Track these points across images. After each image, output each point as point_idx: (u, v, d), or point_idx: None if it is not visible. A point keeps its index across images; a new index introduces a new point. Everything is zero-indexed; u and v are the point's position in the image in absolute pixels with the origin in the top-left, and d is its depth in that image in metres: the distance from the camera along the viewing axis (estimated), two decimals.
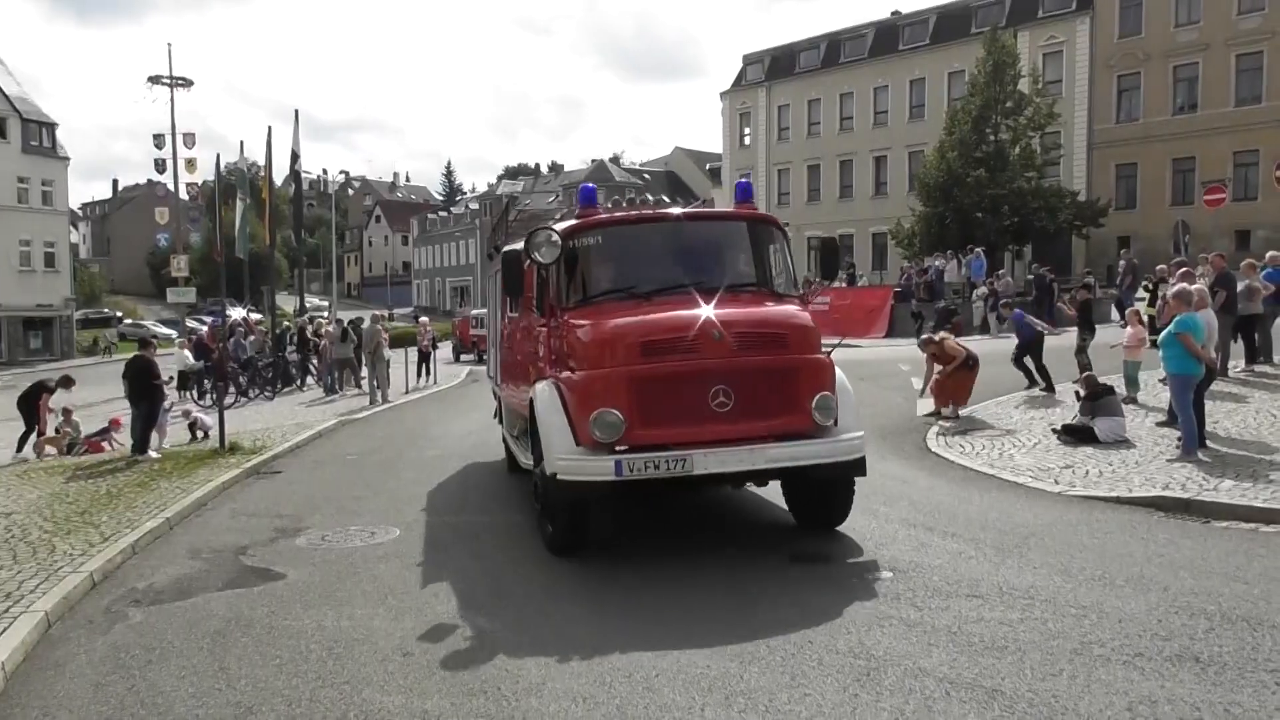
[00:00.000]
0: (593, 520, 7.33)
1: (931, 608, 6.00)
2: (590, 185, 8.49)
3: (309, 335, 26.95)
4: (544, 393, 7.43)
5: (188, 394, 22.72)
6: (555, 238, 7.55)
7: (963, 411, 13.70)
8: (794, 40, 57.00)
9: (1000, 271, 32.10)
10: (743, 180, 8.65)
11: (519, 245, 8.30)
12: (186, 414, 16.79)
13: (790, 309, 7.68)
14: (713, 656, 5.29)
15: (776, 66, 56.52)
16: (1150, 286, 19.44)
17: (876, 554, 7.27)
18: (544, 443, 7.18)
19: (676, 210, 8.88)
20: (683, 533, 8.39)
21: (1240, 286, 13.95)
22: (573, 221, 8.20)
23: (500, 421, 12.18)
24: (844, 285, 36.35)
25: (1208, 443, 10.05)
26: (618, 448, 6.79)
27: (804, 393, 7.03)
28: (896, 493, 9.36)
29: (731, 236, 8.44)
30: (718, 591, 6.54)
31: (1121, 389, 12.48)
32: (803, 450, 7.00)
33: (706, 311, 7.08)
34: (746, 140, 57.50)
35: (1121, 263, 27.86)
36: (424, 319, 31.01)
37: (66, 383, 16.17)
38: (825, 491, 7.72)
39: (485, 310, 37.29)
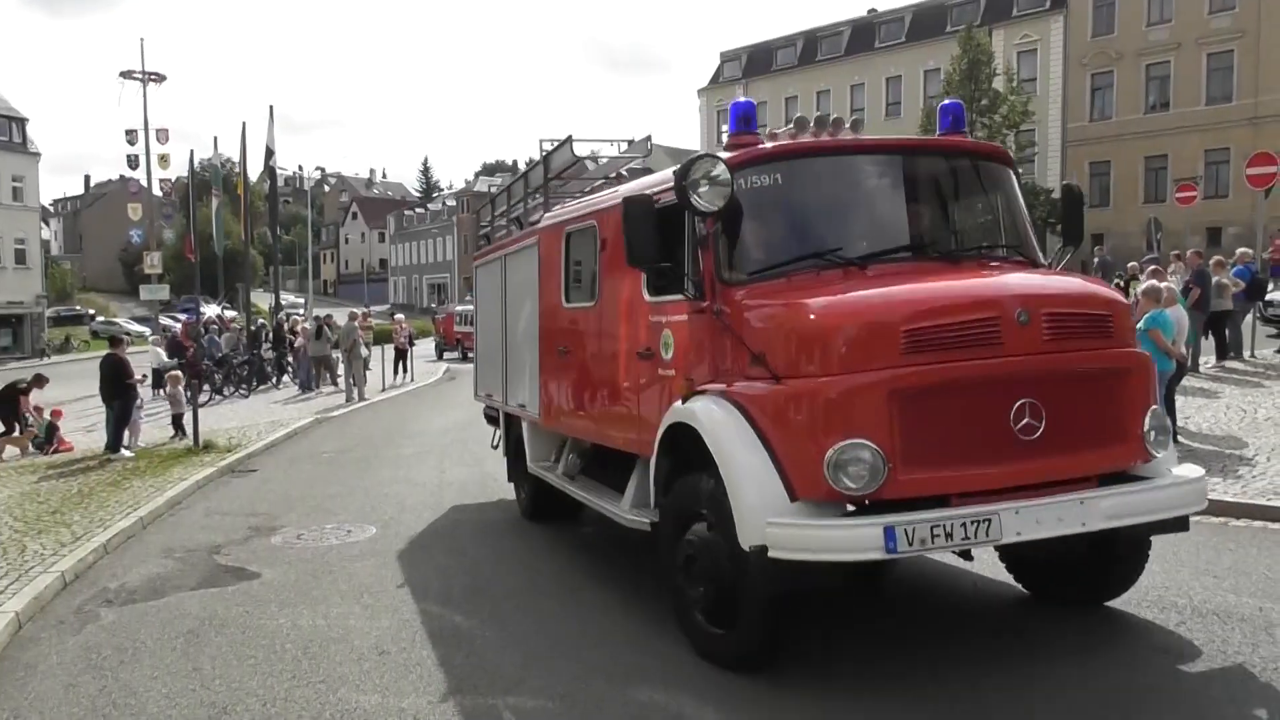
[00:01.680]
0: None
1: (895, 604, 6.04)
2: (747, 101, 5.89)
3: (285, 332, 26.75)
4: (716, 416, 4.86)
5: (162, 391, 22.48)
6: (722, 172, 5.00)
7: None
8: (771, 38, 57.21)
9: None
10: (953, 101, 6.30)
11: (654, 187, 5.76)
12: (175, 379, 16.53)
13: (1094, 283, 5.60)
14: (695, 654, 5.30)
15: (754, 64, 56.67)
16: (1122, 284, 19.67)
17: None
18: (734, 497, 4.62)
19: (893, 138, 6.28)
20: None
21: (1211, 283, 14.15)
22: (739, 151, 5.44)
23: (506, 453, 9.78)
24: None
25: (1179, 438, 10.18)
26: (860, 500, 4.42)
27: (1136, 407, 4.81)
28: None
29: (963, 177, 5.93)
30: None
31: None
32: (1145, 500, 4.72)
33: (998, 282, 4.92)
34: (724, 138, 57.52)
35: (1095, 259, 28.14)
36: (399, 316, 30.82)
37: (39, 381, 15.92)
38: (1114, 552, 5.34)
39: (471, 306, 37.23)
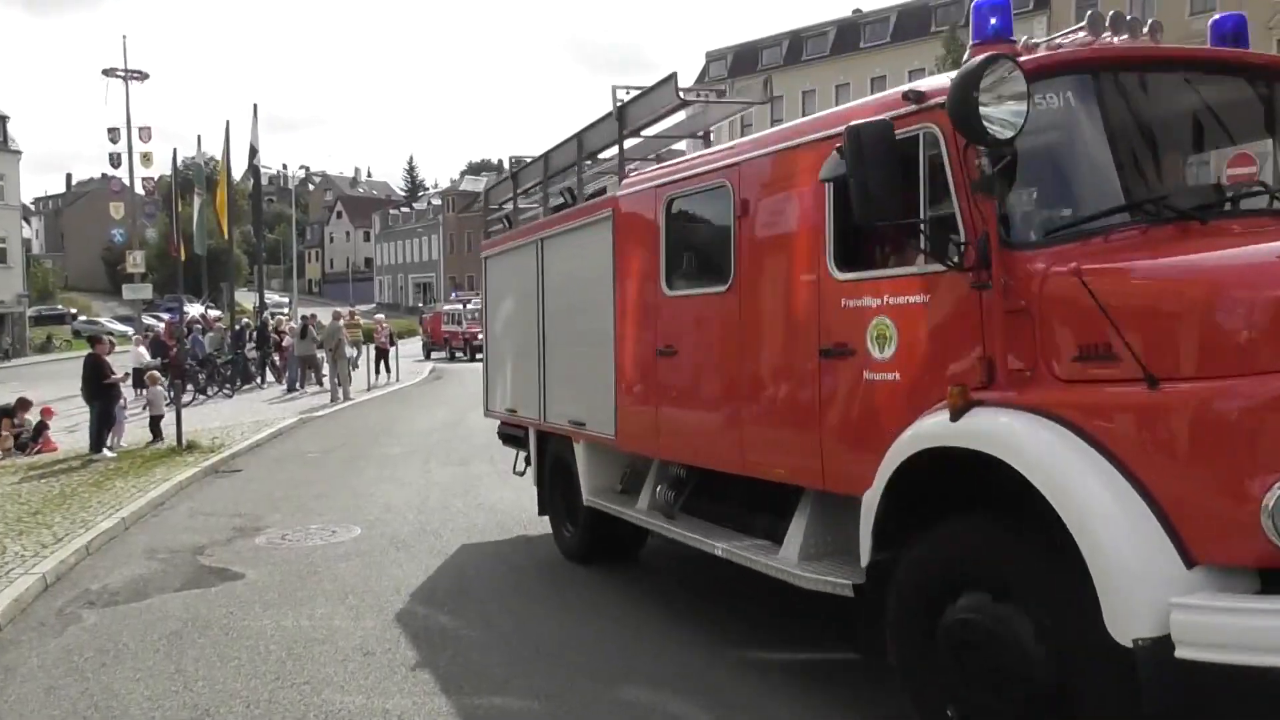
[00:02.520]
0: None
1: None
2: None
3: (270, 332, 26.61)
4: (1044, 440, 3.36)
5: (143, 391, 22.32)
6: (1018, 81, 3.43)
7: None
8: (756, 37, 57.33)
9: None
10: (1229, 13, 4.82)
11: (888, 112, 3.99)
12: (154, 378, 16.34)
13: None
14: (681, 653, 5.31)
15: (739, 63, 56.74)
16: None
17: None
18: (1104, 562, 3.11)
19: (1220, 49, 4.59)
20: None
21: None
22: (1039, 55, 3.98)
23: (539, 481, 8.13)
24: None
25: None
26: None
27: None
28: None
29: (1276, 105, 4.36)
30: (685, 591, 6.56)
31: None
32: None
33: None
34: (711, 137, 57.62)
35: None
36: (380, 316, 30.65)
37: (24, 405, 15.78)
38: None
39: (459, 305, 36.93)
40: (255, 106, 30.84)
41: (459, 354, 34.18)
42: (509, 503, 9.65)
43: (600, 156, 7.44)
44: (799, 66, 53.63)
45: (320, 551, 8.09)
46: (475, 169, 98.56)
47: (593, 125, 7.16)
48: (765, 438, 4.93)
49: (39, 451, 14.71)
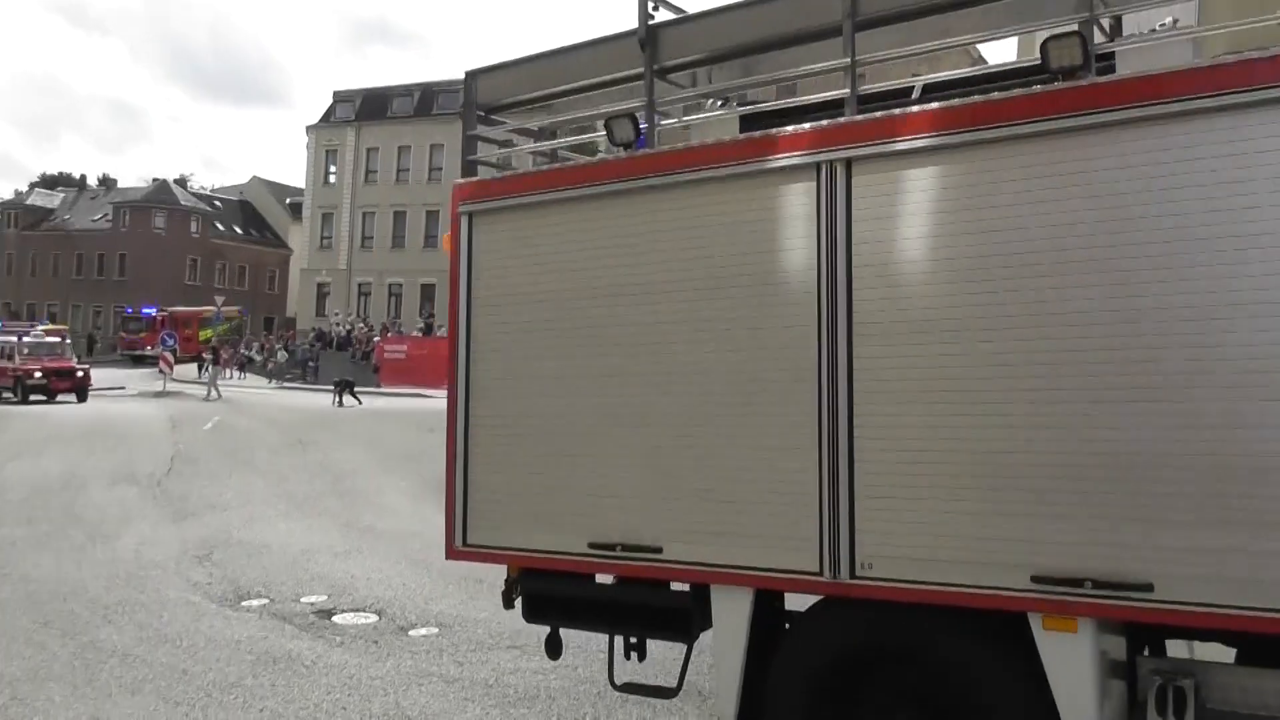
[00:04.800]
0: None
1: (471, 663, 6.02)
2: None
3: None
4: None
5: None
6: None
7: None
8: (389, 84, 56.72)
9: None
10: None
11: None
12: None
13: None
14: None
15: (368, 108, 55.71)
16: None
17: (425, 609, 7.17)
18: None
19: None
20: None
21: None
22: None
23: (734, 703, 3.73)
24: (421, 335, 37.03)
25: None
26: None
27: None
28: None
29: None
30: (243, 654, 6.00)
31: None
32: None
33: None
34: (332, 178, 55.68)
35: None
36: None
37: None
38: None
39: (31, 338, 31.09)
40: None
41: (7, 394, 29.09)
42: (46, 570, 8.27)
43: None
44: (430, 119, 53.69)
45: None
46: (50, 182, 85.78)
47: None
48: None
49: None
